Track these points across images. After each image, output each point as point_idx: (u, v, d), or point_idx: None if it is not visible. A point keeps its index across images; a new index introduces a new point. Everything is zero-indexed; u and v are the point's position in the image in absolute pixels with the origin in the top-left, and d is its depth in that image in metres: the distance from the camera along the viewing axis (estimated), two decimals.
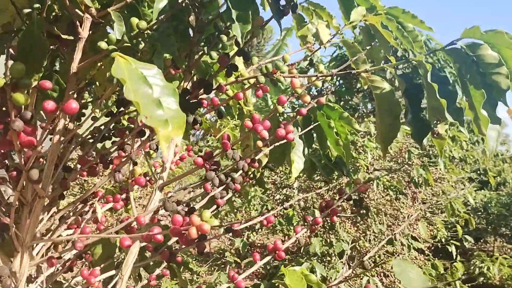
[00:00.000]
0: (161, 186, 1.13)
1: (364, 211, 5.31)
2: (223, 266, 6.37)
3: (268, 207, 5.65)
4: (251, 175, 1.56)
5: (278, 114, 1.35)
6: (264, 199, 6.16)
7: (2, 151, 0.89)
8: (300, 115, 1.05)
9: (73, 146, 1.25)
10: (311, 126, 1.37)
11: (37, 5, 0.89)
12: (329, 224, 5.24)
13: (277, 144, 1.22)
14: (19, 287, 0.98)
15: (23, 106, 0.73)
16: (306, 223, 1.31)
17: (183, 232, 0.82)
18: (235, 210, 6.76)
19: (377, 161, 5.62)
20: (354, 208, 5.20)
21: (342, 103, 7.59)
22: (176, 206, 1.06)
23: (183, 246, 1.21)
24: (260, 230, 6.24)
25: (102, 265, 1.30)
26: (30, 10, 0.87)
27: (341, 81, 7.77)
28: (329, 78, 7.94)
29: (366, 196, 5.27)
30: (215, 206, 1.36)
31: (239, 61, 1.24)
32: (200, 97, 1.09)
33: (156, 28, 0.92)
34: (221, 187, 1.21)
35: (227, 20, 1.02)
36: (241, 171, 1.23)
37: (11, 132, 0.73)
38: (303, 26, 1.23)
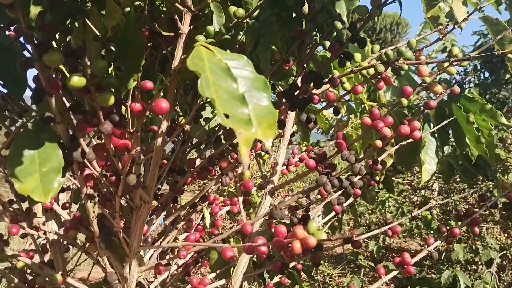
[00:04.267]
0: (272, 191, 1.04)
1: None
2: (356, 269, 6.14)
3: (404, 210, 5.28)
4: (376, 178, 1.40)
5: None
6: (400, 200, 5.79)
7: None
8: (428, 108, 0.87)
9: (186, 149, 1.23)
10: (446, 122, 1.17)
11: (138, 2, 0.86)
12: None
13: (404, 143, 1.05)
14: None
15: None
16: (441, 233, 1.12)
17: (286, 245, 0.71)
18: (370, 212, 6.48)
19: None
20: (504, 213, 4.60)
21: (487, 96, 6.78)
22: (284, 213, 0.96)
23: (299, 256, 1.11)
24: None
25: (218, 271, 1.26)
26: (129, 8, 0.84)
27: (485, 73, 6.97)
28: (472, 69, 7.21)
29: None
30: (333, 213, 1.24)
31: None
32: (312, 91, 0.98)
33: (256, 17, 0.83)
34: (339, 192, 1.09)
35: None
36: (359, 176, 1.09)
37: (104, 136, 0.70)
38: (433, 6, 1.04)
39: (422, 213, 5.54)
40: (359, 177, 1.06)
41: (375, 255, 5.44)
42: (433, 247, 1.09)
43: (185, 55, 0.67)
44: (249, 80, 0.57)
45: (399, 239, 7.19)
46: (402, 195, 5.91)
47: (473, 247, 4.74)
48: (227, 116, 0.50)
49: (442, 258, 5.11)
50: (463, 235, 4.80)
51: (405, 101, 0.89)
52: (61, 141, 0.70)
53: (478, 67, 7.09)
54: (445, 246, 5.13)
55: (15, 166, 0.64)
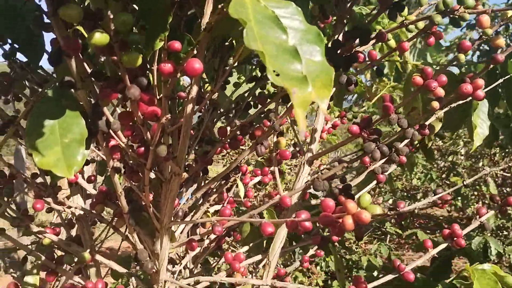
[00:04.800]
0: (310, 160, 0.96)
1: None
2: (383, 236, 6.08)
3: (433, 176, 5.16)
4: (417, 144, 1.31)
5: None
6: (427, 166, 5.66)
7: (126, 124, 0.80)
8: (496, 63, 0.77)
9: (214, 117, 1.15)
10: (500, 81, 1.06)
11: None
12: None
13: (453, 105, 0.95)
14: (161, 270, 0.92)
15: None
16: (494, 203, 1.03)
17: (336, 221, 0.64)
18: (395, 178, 6.36)
19: None
20: None
21: None
22: (327, 185, 0.88)
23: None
24: (422, 199, 5.78)
25: (250, 244, 1.20)
26: None
27: None
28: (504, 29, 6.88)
29: None
30: (374, 182, 1.16)
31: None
32: (355, 49, 0.88)
33: None
34: (382, 160, 1.00)
35: None
36: (407, 141, 1.00)
37: (130, 102, 0.63)
38: None
39: (451, 179, 5.42)
40: (405, 143, 0.97)
41: (402, 222, 5.36)
42: (485, 217, 1.00)
43: (222, 5, 0.58)
44: (300, 31, 0.49)
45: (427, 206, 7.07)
46: (428, 161, 5.78)
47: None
48: (277, 74, 0.42)
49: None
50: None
51: (462, 57, 0.79)
52: (83, 109, 0.63)
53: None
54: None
55: (34, 138, 0.57)
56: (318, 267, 4.38)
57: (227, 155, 5.69)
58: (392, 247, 5.40)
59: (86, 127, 0.61)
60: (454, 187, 1.03)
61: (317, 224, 1.09)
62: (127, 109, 0.74)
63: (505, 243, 4.51)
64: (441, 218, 7.23)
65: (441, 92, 0.82)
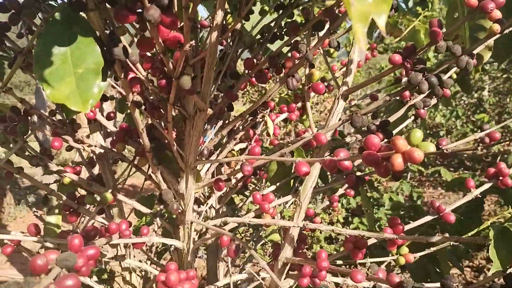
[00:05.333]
0: (346, 94, 0.89)
1: None
2: (404, 174, 6.04)
3: (459, 113, 5.02)
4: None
5: None
6: (452, 103, 5.49)
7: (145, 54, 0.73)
8: None
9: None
10: None
11: None
12: None
13: (507, 31, 0.85)
14: (186, 211, 0.87)
15: None
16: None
17: (381, 160, 0.57)
18: None
19: None
20: None
21: None
22: (366, 120, 0.81)
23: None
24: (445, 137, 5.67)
25: (278, 184, 1.15)
26: None
27: None
28: None
29: None
30: (410, 119, 1.08)
31: None
32: None
33: None
34: (424, 94, 0.92)
35: None
36: (453, 70, 0.91)
37: (150, 27, 0.55)
38: None
39: (477, 116, 5.27)
40: (449, 74, 0.89)
41: (425, 159, 5.29)
42: None
43: None
44: None
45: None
46: (454, 98, 5.61)
47: None
48: None
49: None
50: None
51: None
52: (98, 35, 0.56)
53: None
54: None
55: (43, 68, 0.50)
56: (339, 204, 4.40)
57: (247, 93, 5.60)
58: (414, 184, 5.37)
59: (102, 55, 0.54)
60: (502, 124, 0.94)
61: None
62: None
63: None
64: (465, 155, 7.11)
65: (498, 14, 0.73)
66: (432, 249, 1.03)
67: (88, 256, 0.54)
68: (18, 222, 5.83)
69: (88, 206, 0.96)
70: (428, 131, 6.55)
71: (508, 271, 0.73)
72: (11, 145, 0.88)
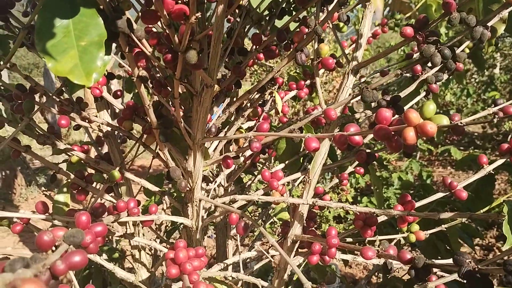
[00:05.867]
0: (356, 69, 0.87)
1: None
2: (414, 153, 6.00)
3: (470, 91, 4.95)
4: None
5: None
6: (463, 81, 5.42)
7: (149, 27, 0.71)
8: None
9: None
10: None
11: None
12: None
13: None
14: (195, 189, 0.87)
15: None
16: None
17: (393, 134, 0.56)
18: None
19: None
20: None
21: None
22: (376, 95, 0.79)
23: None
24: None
25: (286, 162, 1.14)
26: None
27: None
28: None
29: None
30: (421, 95, 1.06)
31: None
32: None
33: None
34: (436, 68, 0.90)
35: None
36: (466, 44, 0.88)
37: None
38: None
39: (488, 94, 5.20)
40: (464, 46, 0.86)
41: (435, 138, 5.24)
42: None
43: None
44: None
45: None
46: (465, 76, 5.52)
47: None
48: None
49: None
50: None
51: None
52: (101, 7, 0.54)
53: None
54: None
55: (45, 40, 0.49)
56: (348, 184, 4.39)
57: (255, 73, 5.57)
58: (423, 163, 5.34)
59: (105, 28, 0.52)
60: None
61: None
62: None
63: None
64: (475, 134, 7.04)
65: None
66: (443, 226, 1.01)
67: (95, 232, 0.53)
68: (29, 203, 5.89)
69: (96, 184, 0.95)
70: (438, 110, 6.47)
71: None
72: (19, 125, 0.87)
